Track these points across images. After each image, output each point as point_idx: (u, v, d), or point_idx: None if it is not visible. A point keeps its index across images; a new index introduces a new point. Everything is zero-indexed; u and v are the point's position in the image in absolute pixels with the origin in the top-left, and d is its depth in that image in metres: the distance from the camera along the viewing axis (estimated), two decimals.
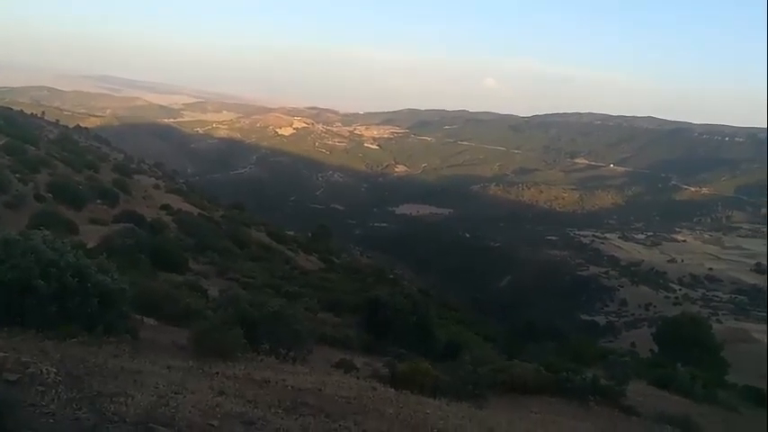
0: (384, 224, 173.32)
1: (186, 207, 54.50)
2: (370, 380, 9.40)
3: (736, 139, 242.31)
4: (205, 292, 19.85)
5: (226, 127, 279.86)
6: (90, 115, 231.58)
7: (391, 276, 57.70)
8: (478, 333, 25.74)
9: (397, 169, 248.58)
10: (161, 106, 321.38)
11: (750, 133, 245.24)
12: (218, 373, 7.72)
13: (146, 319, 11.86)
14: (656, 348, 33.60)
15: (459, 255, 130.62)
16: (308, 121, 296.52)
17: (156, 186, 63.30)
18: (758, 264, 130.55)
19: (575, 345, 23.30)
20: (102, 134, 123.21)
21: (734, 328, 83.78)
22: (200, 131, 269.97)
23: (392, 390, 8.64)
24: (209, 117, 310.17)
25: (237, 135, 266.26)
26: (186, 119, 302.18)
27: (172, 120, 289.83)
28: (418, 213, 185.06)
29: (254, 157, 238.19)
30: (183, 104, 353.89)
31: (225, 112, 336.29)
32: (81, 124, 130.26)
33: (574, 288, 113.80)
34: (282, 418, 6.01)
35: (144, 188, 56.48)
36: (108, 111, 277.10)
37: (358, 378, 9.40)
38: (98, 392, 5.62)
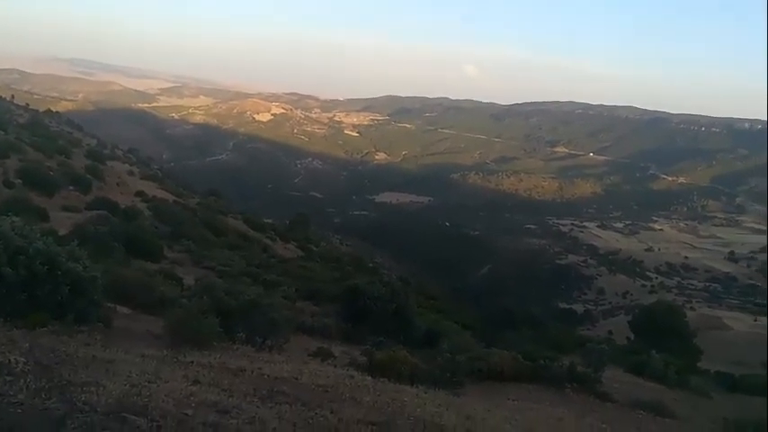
0: (364, 212, 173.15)
1: (161, 194, 53.80)
2: (348, 368, 9.37)
3: (713, 129, 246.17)
4: (180, 280, 19.62)
5: (202, 112, 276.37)
6: (62, 99, 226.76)
7: (371, 265, 57.78)
8: (457, 321, 25.84)
9: (377, 157, 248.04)
10: (136, 91, 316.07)
11: (726, 123, 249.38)
12: (192, 361, 7.62)
13: (119, 308, 11.67)
14: (632, 336, 34.17)
15: (438, 243, 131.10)
16: (287, 107, 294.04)
17: (131, 173, 62.29)
18: (731, 252, 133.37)
19: (552, 333, 23.57)
20: (75, 119, 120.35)
21: (707, 316, 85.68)
22: (176, 117, 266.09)
23: (369, 378, 8.62)
24: (185, 102, 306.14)
25: (214, 121, 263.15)
26: (162, 104, 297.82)
27: (147, 105, 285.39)
28: (398, 201, 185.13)
29: (231, 144, 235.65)
30: (158, 89, 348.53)
31: (202, 97, 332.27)
32: (52, 108, 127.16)
33: (552, 276, 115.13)
34: (258, 407, 5.94)
35: (118, 175, 55.51)
36: (81, 95, 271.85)
37: (335, 366, 9.36)
38: (68, 382, 5.49)
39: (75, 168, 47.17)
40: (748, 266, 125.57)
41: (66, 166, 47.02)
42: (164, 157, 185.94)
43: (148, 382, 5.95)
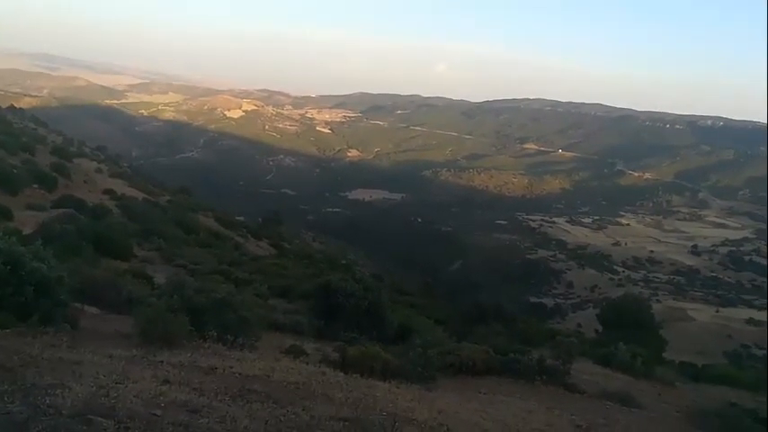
0: (337, 209, 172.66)
1: (131, 192, 52.90)
2: (320, 365, 9.37)
3: (677, 126, 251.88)
4: (151, 279, 19.35)
5: (172, 109, 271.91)
6: (25, 95, 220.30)
7: (344, 261, 57.66)
8: (430, 316, 25.99)
9: (349, 154, 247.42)
10: (103, 87, 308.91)
11: (689, 121, 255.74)
12: (162, 361, 7.54)
13: (87, 308, 11.47)
14: (600, 328, 34.76)
15: (411, 239, 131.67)
16: (258, 103, 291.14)
17: (99, 170, 61.05)
18: (695, 246, 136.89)
19: (523, 326, 23.85)
20: (39, 115, 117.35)
21: (672, 308, 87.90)
22: (145, 113, 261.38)
23: (342, 374, 8.64)
24: (154, 99, 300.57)
25: (184, 117, 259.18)
26: (130, 100, 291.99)
27: (115, 101, 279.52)
28: (371, 198, 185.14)
29: (202, 141, 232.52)
30: (126, 85, 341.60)
31: (171, 93, 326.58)
32: (15, 104, 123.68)
33: (523, 271, 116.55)
34: (229, 405, 5.91)
35: (85, 172, 54.34)
36: (45, 90, 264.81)
37: (307, 363, 9.35)
38: (32, 384, 5.40)
39: (40, 166, 46.02)
40: (710, 259, 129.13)
41: (31, 163, 45.86)
42: (133, 154, 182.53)
43: (116, 382, 5.87)
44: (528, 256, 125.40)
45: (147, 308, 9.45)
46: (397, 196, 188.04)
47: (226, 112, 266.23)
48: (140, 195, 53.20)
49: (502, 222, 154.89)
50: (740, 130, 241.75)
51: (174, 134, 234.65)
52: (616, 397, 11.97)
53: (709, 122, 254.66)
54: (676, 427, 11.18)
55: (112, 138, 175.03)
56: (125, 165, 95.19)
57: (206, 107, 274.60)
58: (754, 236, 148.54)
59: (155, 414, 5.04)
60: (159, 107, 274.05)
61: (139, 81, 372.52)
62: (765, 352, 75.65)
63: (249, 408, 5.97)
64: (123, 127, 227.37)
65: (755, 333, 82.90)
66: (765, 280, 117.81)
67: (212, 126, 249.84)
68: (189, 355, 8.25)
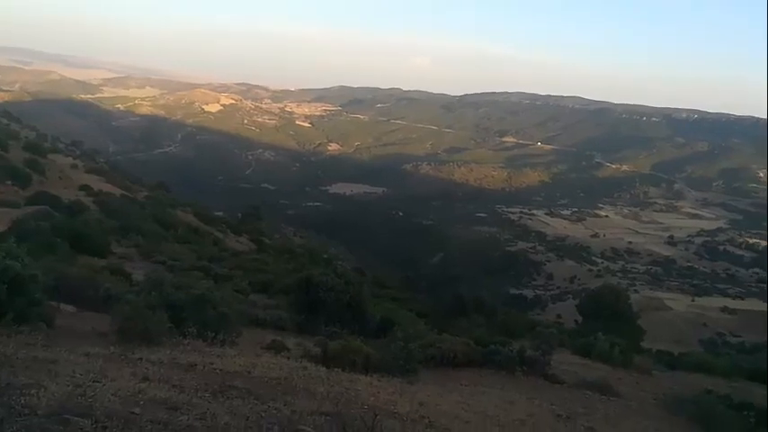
0: (317, 204, 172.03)
1: (108, 188, 52.10)
2: (302, 360, 9.35)
3: (653, 119, 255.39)
4: (129, 276, 19.11)
5: (149, 103, 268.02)
6: None
7: (325, 256, 57.50)
8: (411, 309, 26.07)
9: (329, 148, 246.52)
10: (78, 81, 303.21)
11: (665, 113, 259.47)
12: (141, 358, 7.45)
13: (63, 306, 11.29)
14: (579, 319, 35.24)
15: (392, 233, 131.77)
16: (237, 97, 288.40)
17: (74, 166, 60.03)
18: (671, 237, 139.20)
19: (503, 318, 24.07)
20: (11, 110, 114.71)
21: (649, 298, 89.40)
22: (122, 108, 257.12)
23: (324, 369, 8.63)
24: (131, 93, 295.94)
25: (162, 112, 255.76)
26: (106, 95, 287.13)
27: (90, 96, 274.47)
28: (352, 192, 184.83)
29: (180, 135, 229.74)
30: (102, 79, 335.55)
31: (148, 87, 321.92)
32: None
33: (503, 263, 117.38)
34: (209, 402, 5.86)
35: (60, 168, 53.40)
36: (17, 85, 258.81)
37: (289, 359, 9.32)
38: (7, 384, 5.29)
39: (14, 162, 45.14)
40: (686, 250, 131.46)
41: (3, 159, 44.95)
42: (110, 149, 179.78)
43: (93, 381, 5.79)
44: (508, 249, 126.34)
45: (124, 305, 9.33)
46: (377, 190, 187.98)
47: (204, 107, 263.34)
48: (118, 191, 52.45)
49: (482, 215, 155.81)
50: (714, 122, 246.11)
51: (152, 129, 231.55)
52: (595, 386, 12.14)
53: (684, 115, 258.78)
54: (654, 414, 11.37)
55: (88, 133, 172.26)
56: (101, 160, 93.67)
57: (184, 101, 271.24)
58: (728, 226, 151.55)
59: (133, 412, 4.98)
60: (136, 101, 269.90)
61: (115, 75, 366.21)
62: (740, 339, 77.36)
63: (230, 404, 5.93)
64: (99, 122, 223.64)
65: (730, 321, 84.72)
66: (738, 269, 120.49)
67: (190, 120, 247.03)
68: (168, 352, 8.16)
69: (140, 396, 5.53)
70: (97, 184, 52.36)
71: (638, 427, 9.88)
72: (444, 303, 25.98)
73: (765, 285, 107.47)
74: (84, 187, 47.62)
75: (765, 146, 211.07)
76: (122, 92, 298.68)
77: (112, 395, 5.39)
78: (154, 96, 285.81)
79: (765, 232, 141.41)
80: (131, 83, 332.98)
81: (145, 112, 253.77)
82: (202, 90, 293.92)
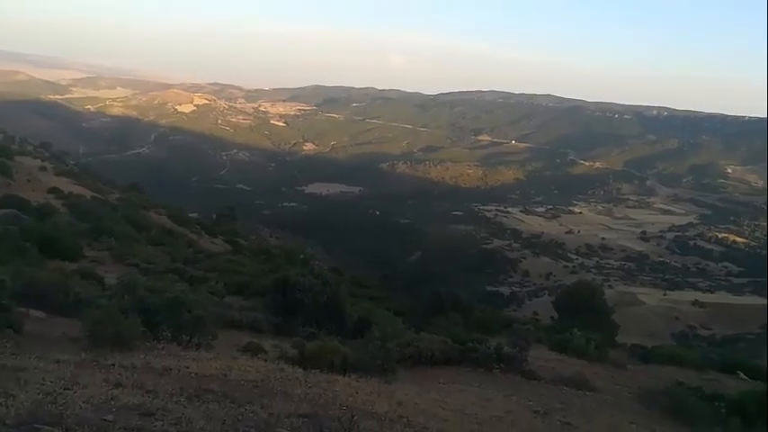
0: (293, 204, 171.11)
1: (78, 190, 50.99)
2: (279, 362, 9.28)
3: (625, 116, 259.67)
4: (101, 279, 18.75)
5: (120, 104, 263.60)
6: None
7: (302, 256, 57.18)
8: (389, 308, 26.06)
9: (305, 147, 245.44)
10: (46, 81, 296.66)
11: (636, 111, 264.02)
12: (114, 364, 7.32)
13: (32, 312, 11.03)
14: (556, 315, 35.66)
15: (369, 232, 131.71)
16: (210, 97, 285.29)
17: (43, 168, 58.59)
18: (643, 232, 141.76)
19: (480, 315, 24.21)
20: None
21: (623, 293, 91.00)
22: (92, 109, 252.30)
23: (301, 370, 8.57)
24: (101, 93, 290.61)
25: (134, 113, 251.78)
26: (76, 95, 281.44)
27: (59, 96, 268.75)
28: (328, 192, 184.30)
29: (153, 136, 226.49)
30: (71, 80, 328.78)
31: (119, 88, 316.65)
32: None
33: (479, 261, 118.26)
34: (185, 407, 5.78)
35: (28, 171, 52.10)
36: None
37: (266, 361, 9.24)
38: None
39: None
40: (658, 245, 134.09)
41: None
42: (80, 151, 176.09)
43: (64, 388, 5.67)
44: (484, 246, 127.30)
45: (96, 309, 9.14)
46: (354, 189, 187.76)
47: (177, 107, 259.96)
48: (89, 193, 51.41)
49: (458, 213, 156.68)
50: (683, 119, 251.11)
51: (124, 130, 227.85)
52: (572, 381, 12.27)
53: (655, 112, 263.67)
54: (628, 407, 11.54)
55: (57, 134, 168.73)
56: (71, 162, 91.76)
57: (156, 102, 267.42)
58: (698, 221, 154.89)
59: (106, 419, 4.88)
60: (107, 102, 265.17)
61: (85, 75, 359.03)
62: (710, 332, 79.17)
63: (206, 408, 5.85)
64: (69, 123, 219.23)
65: (701, 314, 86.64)
66: (708, 263, 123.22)
67: (163, 121, 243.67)
68: (142, 356, 8.03)
69: (113, 403, 5.43)
70: (67, 186, 51.23)
71: (613, 420, 10.02)
72: (422, 302, 26.04)
73: (734, 279, 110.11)
74: (54, 190, 46.58)
75: (733, 142, 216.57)
76: (92, 92, 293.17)
77: (84, 402, 5.27)
78: (125, 97, 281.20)
79: (735, 227, 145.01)
80: (102, 83, 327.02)
81: (116, 113, 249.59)
82: (175, 90, 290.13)
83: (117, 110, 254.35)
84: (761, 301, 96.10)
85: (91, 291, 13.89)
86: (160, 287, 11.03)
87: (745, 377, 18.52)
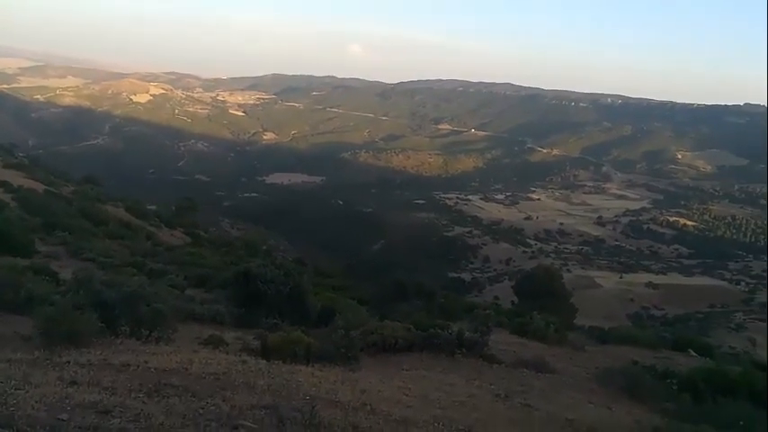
0: (254, 194, 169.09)
1: (29, 183, 49.19)
2: (241, 354, 9.18)
3: (581, 104, 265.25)
4: (55, 275, 18.19)
5: (72, 94, 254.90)
6: None
7: (264, 248, 56.68)
8: (353, 297, 26.10)
9: (265, 137, 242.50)
10: None
11: (592, 99, 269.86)
12: (69, 361, 7.12)
13: None
14: (516, 299, 36.34)
15: (332, 222, 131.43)
16: (167, 87, 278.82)
17: None
18: (599, 217, 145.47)
19: (442, 302, 24.48)
20: None
21: (581, 276, 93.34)
22: (42, 99, 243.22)
23: (264, 362, 8.51)
24: (51, 83, 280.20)
25: (86, 103, 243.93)
26: (24, 84, 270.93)
27: (6, 86, 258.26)
28: (290, 182, 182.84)
29: (107, 127, 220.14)
30: (18, 68, 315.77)
31: (70, 77, 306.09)
32: None
33: (441, 248, 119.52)
34: (144, 402, 5.67)
35: None
36: None
37: (227, 353, 9.13)
38: None
39: None
40: (614, 229, 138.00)
41: None
42: (30, 143, 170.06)
43: (16, 388, 5.48)
44: (445, 234, 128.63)
45: (49, 306, 8.87)
46: (316, 179, 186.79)
47: (132, 97, 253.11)
48: (41, 187, 49.64)
49: (420, 202, 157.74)
50: (636, 106, 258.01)
51: (76, 121, 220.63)
52: (532, 364, 12.52)
53: (610, 100, 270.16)
54: (586, 387, 11.86)
55: (4, 125, 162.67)
56: (21, 155, 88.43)
57: (110, 91, 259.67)
58: (651, 206, 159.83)
59: (60, 419, 4.75)
60: (57, 92, 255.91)
61: (33, 64, 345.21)
62: (663, 312, 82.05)
63: (166, 403, 5.76)
64: (16, 114, 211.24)
65: (654, 295, 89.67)
66: (660, 246, 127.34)
67: (118, 111, 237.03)
68: (99, 352, 7.84)
69: (68, 401, 5.29)
70: (17, 179, 49.32)
71: (571, 400, 10.27)
72: (385, 290, 26.16)
73: (684, 260, 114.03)
74: (2, 183, 44.83)
75: (682, 129, 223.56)
76: (41, 81, 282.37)
77: (37, 402, 5.12)
78: (77, 86, 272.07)
79: (685, 211, 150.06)
80: (51, 72, 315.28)
81: (68, 103, 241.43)
82: (130, 80, 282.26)
83: (68, 100, 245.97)
84: (710, 281, 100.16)
85: (44, 287, 13.45)
86: (118, 281, 10.75)
87: (695, 354, 19.31)
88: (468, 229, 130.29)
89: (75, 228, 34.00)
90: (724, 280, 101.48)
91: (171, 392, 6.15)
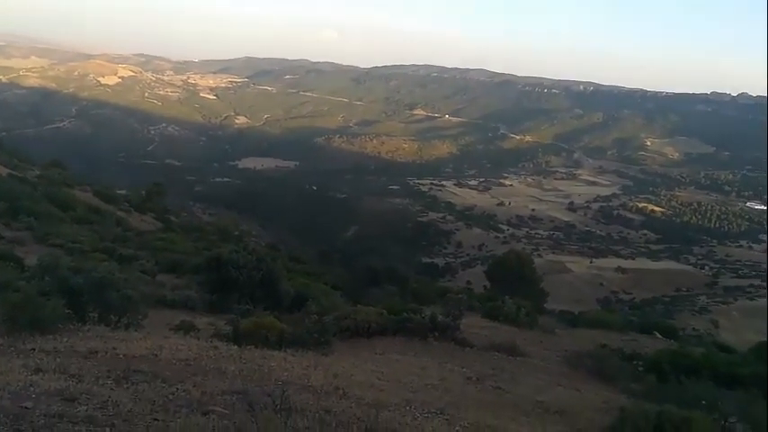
0: (226, 179, 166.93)
1: None
2: (212, 339, 9.11)
3: (553, 90, 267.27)
4: (20, 261, 17.76)
5: (37, 75, 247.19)
6: None
7: (236, 233, 56.15)
8: (326, 283, 26.10)
9: (237, 121, 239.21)
10: None
11: (564, 86, 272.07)
12: (34, 349, 6.98)
13: None
14: (488, 284, 36.76)
15: (306, 207, 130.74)
16: (136, 69, 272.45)
17: None
18: (571, 203, 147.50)
19: (415, 286, 24.64)
20: None
21: (552, 261, 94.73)
22: (4, 80, 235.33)
23: (235, 347, 8.46)
24: (13, 63, 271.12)
25: (52, 84, 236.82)
26: None
27: None
28: (263, 167, 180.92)
29: (74, 110, 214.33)
30: None
31: (34, 57, 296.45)
32: None
33: (415, 233, 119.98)
34: (112, 389, 5.59)
35: None
36: None
37: (198, 339, 9.05)
38: None
39: None
40: (584, 215, 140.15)
41: None
42: None
43: None
44: (419, 219, 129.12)
45: (14, 292, 8.66)
46: (289, 164, 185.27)
47: (100, 79, 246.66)
48: (4, 171, 48.29)
49: (394, 187, 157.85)
50: (607, 94, 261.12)
51: (41, 103, 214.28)
52: (503, 348, 12.71)
53: (581, 87, 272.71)
54: (556, 370, 12.09)
55: None
56: None
57: (77, 73, 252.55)
58: (621, 192, 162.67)
59: (24, 407, 4.65)
60: (21, 73, 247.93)
61: None
62: (631, 296, 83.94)
63: (135, 389, 5.68)
64: None
65: (623, 280, 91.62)
66: (629, 231, 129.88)
67: (85, 94, 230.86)
68: (66, 339, 7.70)
69: (33, 389, 5.18)
70: None
71: (541, 383, 10.46)
72: (358, 275, 26.21)
73: (652, 246, 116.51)
74: None
75: (652, 116, 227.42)
76: (3, 62, 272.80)
77: (0, 390, 5.00)
78: (42, 67, 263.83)
79: (653, 197, 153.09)
80: (14, 52, 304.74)
81: (32, 84, 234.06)
82: (98, 61, 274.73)
83: (32, 81, 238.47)
84: (676, 266, 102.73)
85: (9, 273, 13.14)
86: (86, 267, 10.54)
87: (660, 336, 19.84)
88: (441, 215, 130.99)
89: (41, 213, 33.23)
90: (689, 264, 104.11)
91: (140, 379, 6.08)
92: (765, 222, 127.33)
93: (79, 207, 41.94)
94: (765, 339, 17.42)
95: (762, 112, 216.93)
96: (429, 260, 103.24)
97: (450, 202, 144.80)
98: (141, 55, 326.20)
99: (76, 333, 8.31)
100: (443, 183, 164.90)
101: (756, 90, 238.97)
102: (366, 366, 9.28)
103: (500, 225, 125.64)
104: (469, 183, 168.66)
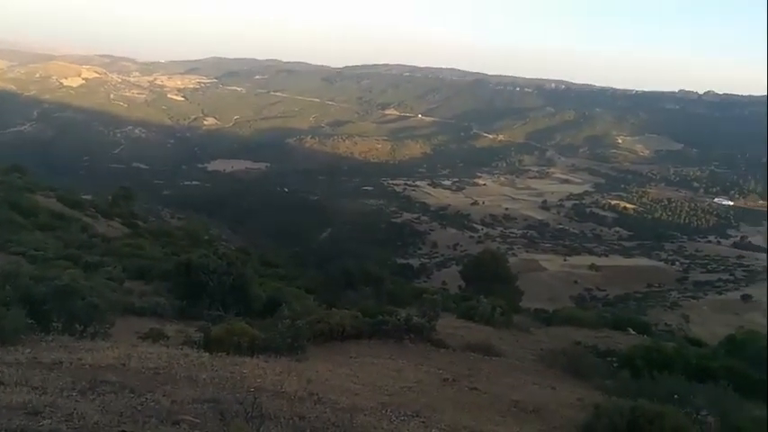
0: (195, 182, 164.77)
1: None
2: (183, 347, 8.90)
3: (526, 89, 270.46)
4: None
5: None
6: None
7: (206, 237, 55.39)
8: (300, 286, 25.83)
9: (206, 122, 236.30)
10: None
11: (537, 85, 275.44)
12: None
13: None
14: (463, 284, 36.90)
15: (278, 210, 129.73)
16: (100, 70, 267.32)
17: None
18: (544, 201, 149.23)
19: (390, 288, 24.54)
20: None
21: (526, 260, 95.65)
22: None
23: (206, 354, 8.28)
24: None
25: (11, 86, 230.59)
26: None
27: None
28: (233, 169, 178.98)
29: (36, 113, 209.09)
30: None
31: None
32: None
33: (389, 234, 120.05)
34: (77, 401, 5.40)
35: None
36: None
37: (168, 347, 8.84)
38: None
39: None
40: (558, 213, 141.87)
41: None
42: None
43: None
44: (393, 220, 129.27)
45: None
46: (260, 166, 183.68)
47: (63, 81, 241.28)
48: None
49: (368, 188, 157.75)
50: (579, 92, 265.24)
51: (0, 106, 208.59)
52: (479, 348, 12.70)
53: (553, 86, 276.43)
54: (532, 368, 12.13)
55: None
56: None
57: (38, 75, 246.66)
58: (593, 189, 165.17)
59: None
60: None
61: None
62: (604, 293, 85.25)
63: (101, 401, 5.50)
64: None
65: (596, 277, 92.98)
66: (602, 229, 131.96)
67: (47, 96, 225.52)
68: (28, 351, 7.44)
69: None
70: None
71: (517, 381, 10.48)
72: (332, 278, 26.01)
73: (625, 243, 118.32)
74: None
75: (622, 115, 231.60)
76: None
77: None
78: (1, 69, 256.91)
79: (625, 194, 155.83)
80: None
81: None
82: (60, 62, 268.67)
83: None
84: (647, 262, 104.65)
85: None
86: (49, 275, 10.22)
87: (633, 332, 20.10)
88: (415, 215, 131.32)
89: (1, 219, 32.25)
90: (661, 260, 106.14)
91: (107, 389, 5.90)
92: (765, 218, 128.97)
93: (42, 213, 40.80)
94: (734, 333, 17.79)
95: (727, 110, 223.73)
96: (404, 261, 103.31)
97: (424, 202, 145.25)
98: (106, 56, 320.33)
99: (39, 344, 8.06)
100: (417, 183, 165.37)
101: (722, 88, 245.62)
102: (341, 370, 9.17)
103: (474, 224, 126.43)
104: (443, 182, 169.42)
